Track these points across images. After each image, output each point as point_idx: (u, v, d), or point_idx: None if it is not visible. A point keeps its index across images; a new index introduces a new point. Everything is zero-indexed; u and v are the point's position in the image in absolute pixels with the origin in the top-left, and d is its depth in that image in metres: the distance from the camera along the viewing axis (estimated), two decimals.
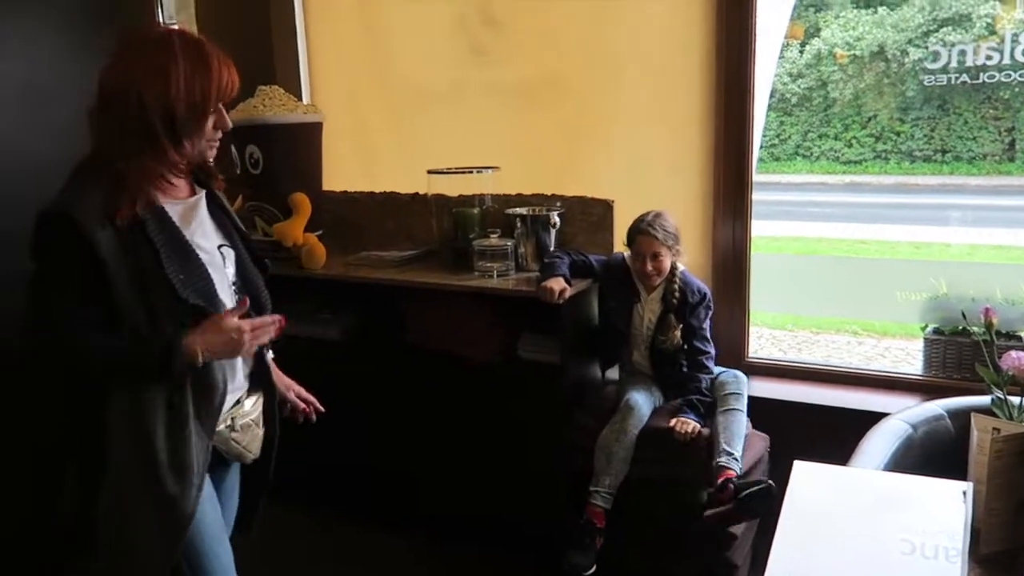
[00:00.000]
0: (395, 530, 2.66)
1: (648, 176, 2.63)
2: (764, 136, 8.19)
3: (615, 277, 2.40)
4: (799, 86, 7.91)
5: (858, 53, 7.39)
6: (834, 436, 1.89)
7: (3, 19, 2.22)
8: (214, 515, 1.49)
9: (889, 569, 1.18)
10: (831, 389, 2.49)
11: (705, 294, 2.37)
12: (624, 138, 2.64)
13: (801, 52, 7.82)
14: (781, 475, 1.44)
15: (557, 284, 2.23)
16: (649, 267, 2.29)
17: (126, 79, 1.28)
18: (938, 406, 1.85)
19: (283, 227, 2.61)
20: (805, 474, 1.45)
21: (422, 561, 2.54)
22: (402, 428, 2.67)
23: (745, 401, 2.27)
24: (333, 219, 2.89)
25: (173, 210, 1.39)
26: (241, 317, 1.39)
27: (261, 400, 1.59)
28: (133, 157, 1.30)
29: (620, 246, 2.48)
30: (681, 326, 2.32)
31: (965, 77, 2.39)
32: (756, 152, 2.61)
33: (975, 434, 1.19)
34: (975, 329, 2.05)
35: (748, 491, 2.00)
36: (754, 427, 2.40)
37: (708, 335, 2.37)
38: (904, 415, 1.83)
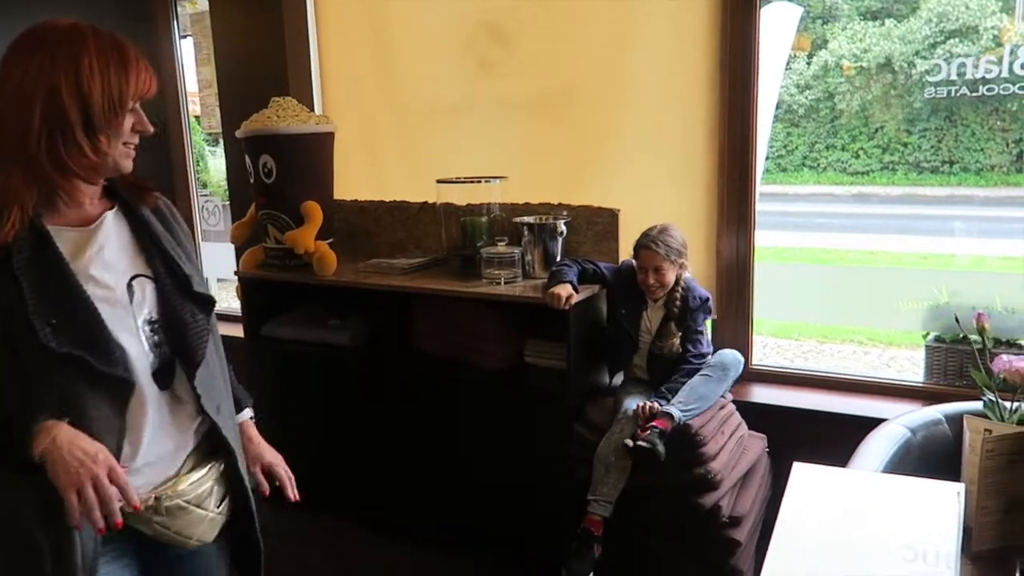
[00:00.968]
0: (399, 534, 2.69)
1: (653, 187, 2.68)
2: (771, 147, 8.23)
3: (625, 284, 2.44)
4: (806, 97, 7.95)
5: (865, 65, 7.43)
6: (835, 441, 1.93)
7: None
8: None
9: (883, 570, 1.21)
10: (833, 396, 2.53)
11: (706, 299, 2.42)
12: (630, 149, 2.69)
13: (808, 64, 7.87)
14: (782, 477, 1.48)
15: (564, 290, 2.28)
16: (651, 280, 2.34)
17: (36, 72, 1.10)
18: (937, 411, 1.89)
19: (295, 235, 2.67)
20: (803, 475, 1.49)
21: (427, 566, 2.57)
22: (409, 432, 2.71)
23: (728, 377, 2.33)
24: (344, 227, 2.95)
25: (63, 236, 1.17)
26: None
27: (213, 473, 1.30)
28: (28, 161, 1.11)
29: (626, 255, 2.53)
30: (680, 333, 2.37)
31: (965, 90, 2.43)
32: (761, 163, 2.65)
33: (967, 435, 1.22)
34: (974, 337, 2.09)
35: (640, 443, 2.11)
36: (757, 431, 2.43)
37: (704, 339, 2.41)
38: (903, 420, 1.87)
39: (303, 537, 2.73)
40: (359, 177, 3.08)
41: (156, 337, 1.21)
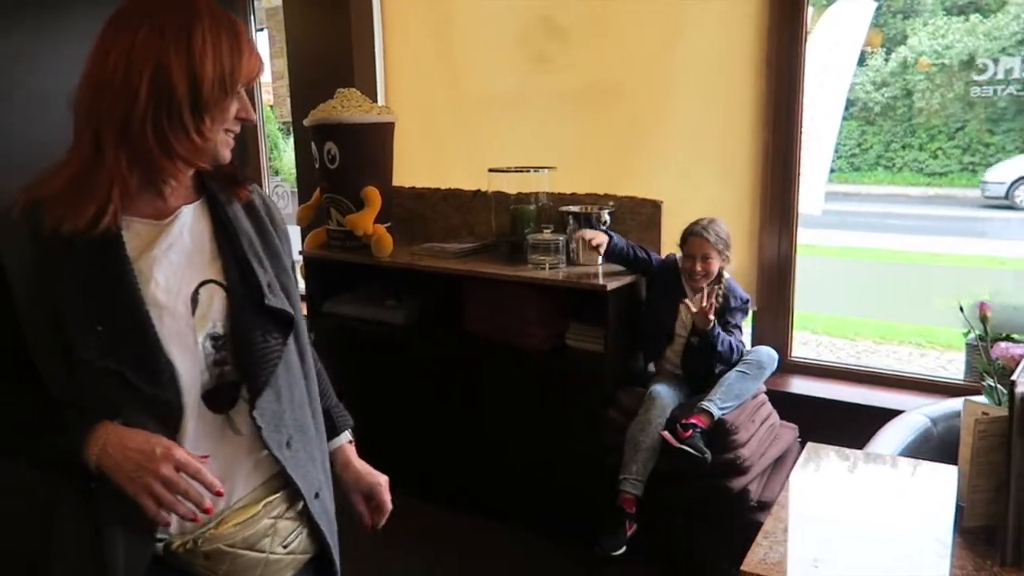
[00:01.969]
0: (444, 503, 2.84)
1: (698, 181, 2.75)
2: (844, 146, 8.06)
3: (667, 277, 2.52)
4: (883, 95, 7.76)
5: (947, 62, 7.20)
6: (866, 432, 1.98)
7: (48, 31, 2.41)
8: None
9: (881, 544, 1.29)
10: (869, 389, 2.56)
11: (747, 300, 2.48)
12: (676, 144, 2.77)
13: (886, 60, 7.67)
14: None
15: (598, 236, 2.44)
16: (699, 267, 2.41)
17: (144, 43, 0.98)
18: (959, 403, 1.91)
19: (355, 218, 2.84)
20: (814, 453, 1.57)
21: (469, 535, 2.71)
22: (454, 407, 2.86)
23: (763, 374, 2.39)
24: (401, 212, 3.12)
25: (132, 229, 1.03)
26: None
27: (272, 510, 1.11)
28: (132, 142, 0.99)
29: (668, 247, 2.61)
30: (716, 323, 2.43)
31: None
32: (802, 161, 2.68)
33: (964, 418, 1.28)
34: (1016, 336, 2.10)
35: (686, 447, 2.20)
36: (791, 420, 2.49)
37: (738, 336, 2.46)
38: (925, 410, 1.91)
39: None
40: (417, 165, 3.24)
41: (219, 355, 1.05)
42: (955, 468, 1.41)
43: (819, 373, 2.71)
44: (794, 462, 2.46)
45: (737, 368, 2.38)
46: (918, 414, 1.89)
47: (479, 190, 2.98)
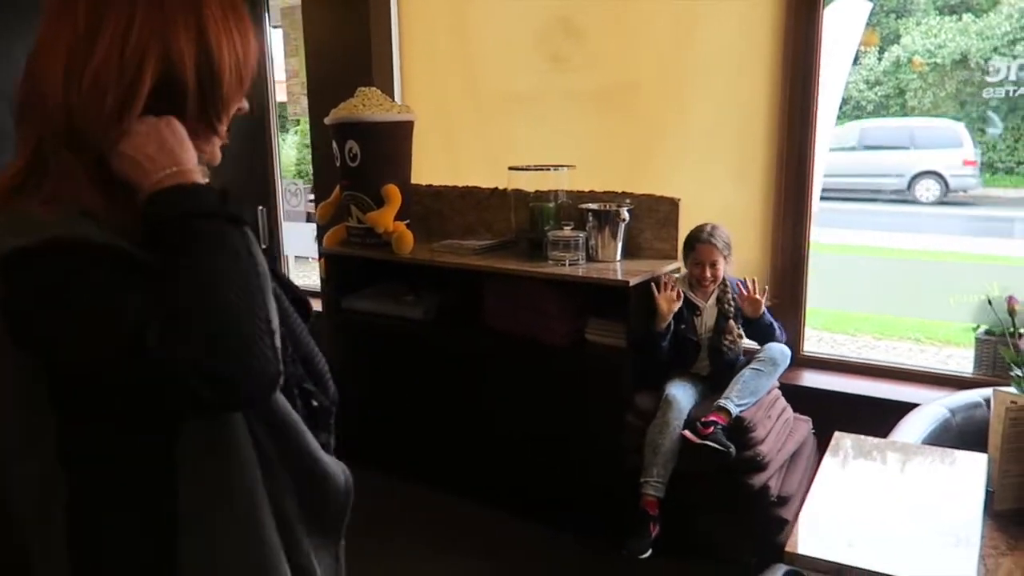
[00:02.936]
0: (464, 498, 2.89)
1: (714, 179, 2.82)
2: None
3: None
4: (876, 93, 7.86)
5: (939, 61, 7.30)
6: (879, 424, 2.04)
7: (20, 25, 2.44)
8: None
9: (913, 527, 1.35)
10: (880, 383, 2.63)
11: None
12: (692, 142, 2.83)
13: (879, 59, 7.77)
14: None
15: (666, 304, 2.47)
16: (708, 273, 2.49)
17: (142, 24, 0.78)
18: (978, 394, 1.99)
19: (376, 215, 2.89)
20: (842, 442, 1.63)
21: (490, 530, 2.75)
22: (474, 401, 2.91)
23: (777, 371, 2.45)
24: (419, 210, 3.16)
25: None
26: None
27: None
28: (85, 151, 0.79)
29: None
30: (742, 326, 2.51)
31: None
32: (822, 160, 2.76)
33: (994, 407, 1.35)
34: (1004, 318, 2.17)
35: (710, 442, 2.25)
36: (804, 413, 2.56)
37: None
38: (944, 401, 1.98)
39: (371, 492, 2.96)
40: (435, 163, 3.28)
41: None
42: (983, 455, 1.48)
43: (831, 367, 2.78)
44: (809, 455, 2.55)
45: (751, 366, 2.45)
46: (938, 405, 1.96)
47: (497, 188, 3.03)
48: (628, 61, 2.90)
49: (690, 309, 2.55)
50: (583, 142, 3.00)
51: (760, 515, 2.33)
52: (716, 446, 2.25)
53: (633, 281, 2.47)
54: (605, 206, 2.74)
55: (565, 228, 2.70)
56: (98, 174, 0.79)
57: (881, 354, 4.48)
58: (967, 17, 7.30)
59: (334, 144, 2.96)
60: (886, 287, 2.86)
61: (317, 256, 3.39)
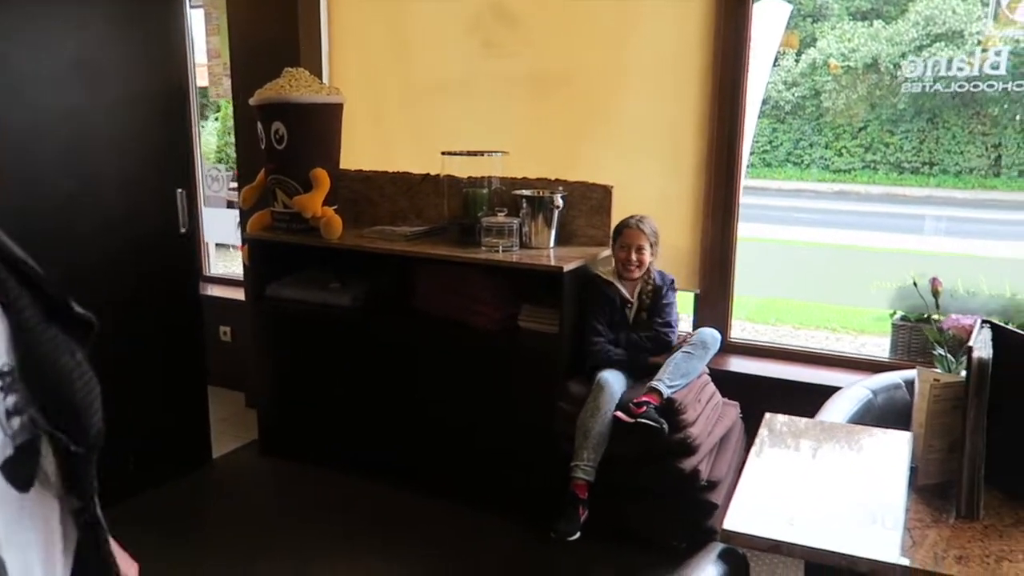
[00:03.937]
0: (398, 485, 2.84)
1: (647, 170, 2.84)
2: (756, 142, 8.40)
3: (609, 301, 2.57)
4: (793, 94, 8.12)
5: (852, 64, 7.60)
6: (804, 407, 2.09)
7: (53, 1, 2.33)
8: None
9: (846, 503, 1.38)
10: (804, 368, 2.71)
11: (672, 279, 2.61)
12: (624, 134, 2.85)
13: (797, 61, 8.03)
14: (754, 438, 1.65)
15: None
16: (633, 257, 2.51)
17: None
18: (897, 376, 2.08)
19: (303, 200, 2.79)
20: (774, 421, 1.66)
21: (422, 516, 2.72)
22: (407, 388, 2.86)
23: (708, 354, 2.50)
24: (347, 195, 3.08)
25: None
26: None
27: None
28: None
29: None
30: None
31: (939, 87, 2.61)
32: (746, 156, 2.82)
33: (918, 384, 1.39)
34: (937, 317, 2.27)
35: (644, 420, 2.28)
36: (732, 398, 2.61)
37: (672, 311, 2.59)
38: (866, 382, 2.05)
39: (304, 483, 2.88)
40: (364, 148, 3.21)
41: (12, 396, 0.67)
42: (906, 433, 1.52)
43: (758, 353, 2.85)
44: (738, 440, 2.60)
45: (682, 349, 2.48)
46: (860, 387, 2.03)
47: (428, 173, 2.98)
48: (562, 49, 2.90)
49: (622, 302, 2.57)
50: (517, 129, 2.98)
51: (690, 499, 2.36)
52: (649, 422, 2.26)
53: (567, 267, 2.47)
54: (539, 193, 2.73)
55: (499, 214, 2.67)
56: None
57: (800, 342, 4.63)
58: (878, 23, 7.63)
59: (259, 126, 2.85)
60: (810, 276, 2.95)
61: (240, 243, 3.27)
